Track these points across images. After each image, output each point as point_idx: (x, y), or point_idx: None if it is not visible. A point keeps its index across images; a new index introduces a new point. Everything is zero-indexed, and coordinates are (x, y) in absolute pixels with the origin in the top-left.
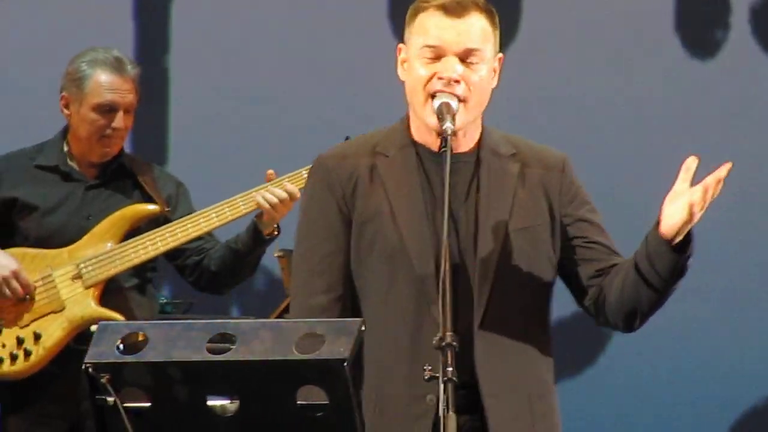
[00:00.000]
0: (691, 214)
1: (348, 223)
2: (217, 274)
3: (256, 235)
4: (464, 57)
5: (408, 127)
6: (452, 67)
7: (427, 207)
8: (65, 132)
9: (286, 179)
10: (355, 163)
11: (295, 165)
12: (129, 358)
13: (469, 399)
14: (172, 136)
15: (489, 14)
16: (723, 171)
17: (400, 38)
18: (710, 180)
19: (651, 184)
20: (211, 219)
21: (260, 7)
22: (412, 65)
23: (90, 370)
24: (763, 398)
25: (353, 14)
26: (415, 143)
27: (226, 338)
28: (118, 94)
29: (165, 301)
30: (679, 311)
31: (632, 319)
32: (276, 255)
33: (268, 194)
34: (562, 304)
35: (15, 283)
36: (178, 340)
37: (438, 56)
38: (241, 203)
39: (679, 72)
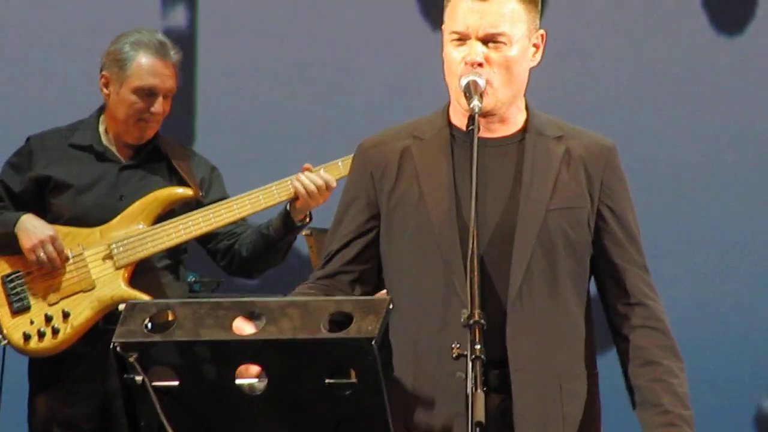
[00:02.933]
0: None
1: (374, 207)
2: (248, 259)
3: (288, 222)
4: (487, 40)
5: (447, 111)
6: (475, 50)
7: (457, 189)
8: (101, 111)
9: (323, 168)
10: (390, 147)
11: (327, 149)
12: (157, 337)
13: (501, 378)
14: (198, 119)
15: None
16: None
17: (432, 24)
18: None
19: (677, 159)
20: (245, 206)
21: None
22: (445, 48)
23: (118, 348)
24: None
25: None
26: (451, 126)
27: (254, 317)
28: (159, 79)
29: (193, 279)
30: (702, 293)
31: None
32: (304, 234)
33: (306, 180)
34: None
35: (50, 248)
36: (206, 319)
37: (464, 40)
38: (275, 191)
39: (706, 48)
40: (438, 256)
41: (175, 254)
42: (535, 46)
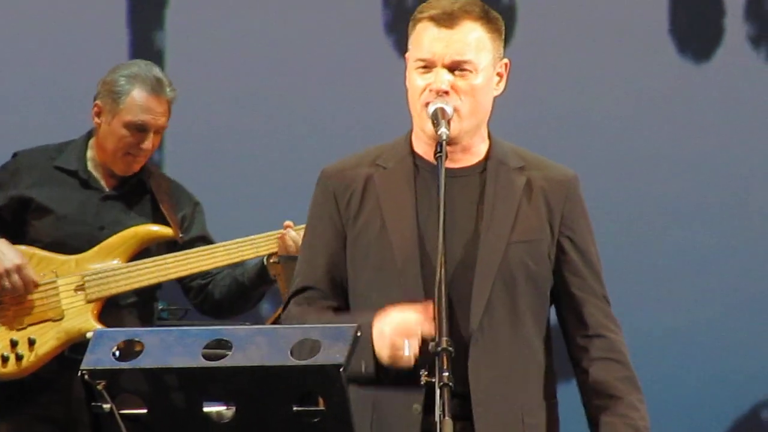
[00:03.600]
0: None
1: (340, 235)
2: (219, 302)
3: (264, 275)
4: (453, 68)
5: (410, 139)
6: (441, 78)
7: (419, 218)
8: (89, 135)
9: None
10: (353, 175)
11: (295, 181)
12: (125, 365)
13: (461, 408)
14: (166, 143)
15: (486, 21)
16: None
17: (398, 50)
18: None
19: (645, 186)
20: (221, 256)
21: (257, 16)
22: (410, 75)
23: (86, 376)
24: (763, 402)
25: (352, 27)
26: (414, 155)
27: (221, 344)
28: (152, 116)
29: (161, 307)
30: (678, 316)
31: None
32: (271, 261)
33: (289, 240)
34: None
35: (16, 277)
36: (174, 347)
37: (429, 67)
38: (254, 245)
39: (673, 74)
40: (399, 287)
41: (146, 291)
42: (499, 75)
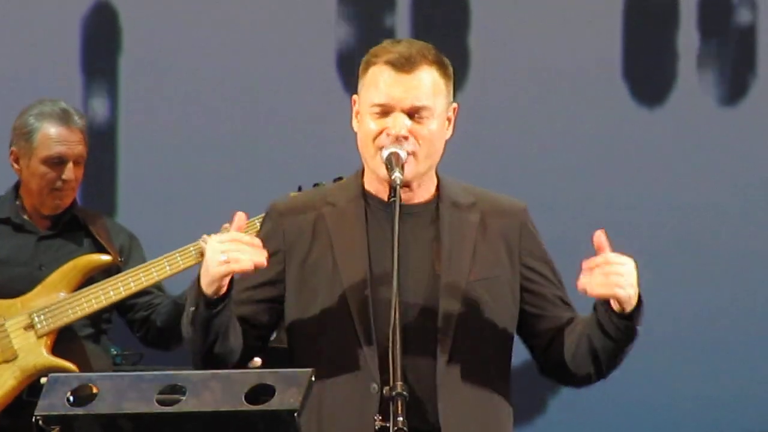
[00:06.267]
0: (612, 292)
1: (281, 272)
2: (163, 330)
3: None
4: (412, 113)
5: (361, 178)
6: (400, 123)
7: (371, 257)
8: (18, 186)
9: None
10: (303, 213)
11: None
12: (79, 410)
13: None
14: (120, 185)
15: (440, 66)
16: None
17: (349, 89)
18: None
19: (592, 231)
20: (163, 268)
21: (209, 57)
22: (363, 119)
23: (40, 422)
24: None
25: (302, 65)
26: (366, 194)
27: (176, 389)
28: (67, 146)
29: (115, 352)
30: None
31: (585, 381)
32: None
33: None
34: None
35: None
36: (128, 392)
37: (387, 112)
38: (193, 251)
39: (626, 119)
40: (350, 327)
41: (98, 323)
42: (449, 119)
